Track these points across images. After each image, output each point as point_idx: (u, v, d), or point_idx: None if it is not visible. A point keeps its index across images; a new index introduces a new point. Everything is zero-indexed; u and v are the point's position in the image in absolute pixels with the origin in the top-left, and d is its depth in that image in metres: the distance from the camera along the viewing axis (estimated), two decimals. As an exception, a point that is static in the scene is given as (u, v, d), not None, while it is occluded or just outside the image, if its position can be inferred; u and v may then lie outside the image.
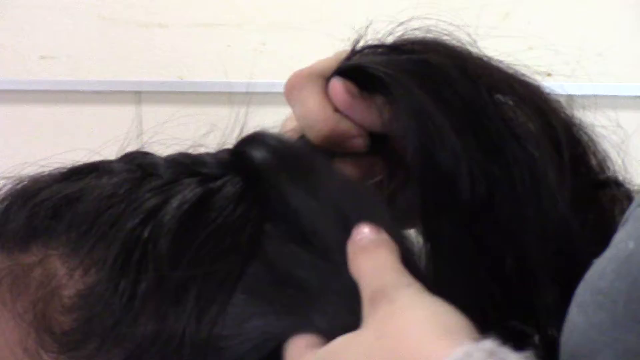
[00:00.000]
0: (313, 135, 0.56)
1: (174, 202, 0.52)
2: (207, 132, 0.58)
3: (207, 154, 0.56)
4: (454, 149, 0.53)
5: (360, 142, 0.57)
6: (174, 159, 0.56)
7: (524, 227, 0.53)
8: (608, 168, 0.58)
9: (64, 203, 0.53)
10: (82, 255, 0.51)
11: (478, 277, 0.53)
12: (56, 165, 0.57)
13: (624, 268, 0.40)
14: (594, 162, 0.58)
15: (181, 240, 0.51)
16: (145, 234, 0.51)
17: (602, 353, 0.39)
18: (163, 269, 0.50)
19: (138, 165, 0.55)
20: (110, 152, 0.58)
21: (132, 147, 0.58)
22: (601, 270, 0.42)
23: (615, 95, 1.55)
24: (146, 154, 0.57)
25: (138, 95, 1.78)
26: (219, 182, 0.53)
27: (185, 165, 0.55)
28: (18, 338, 0.51)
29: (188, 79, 1.75)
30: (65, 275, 0.51)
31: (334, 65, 0.58)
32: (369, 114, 0.56)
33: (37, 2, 1.76)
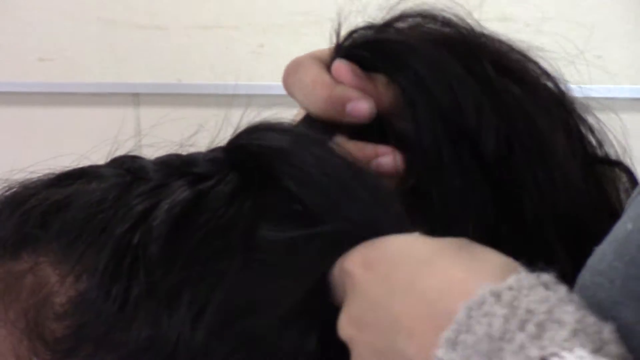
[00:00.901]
0: (312, 102, 0.56)
1: (164, 206, 0.52)
2: (204, 134, 0.58)
3: (199, 153, 0.56)
4: (472, 99, 0.53)
5: (363, 106, 0.55)
6: (164, 161, 0.56)
7: (535, 184, 0.53)
8: (604, 146, 0.58)
9: (53, 210, 0.53)
10: (73, 262, 0.51)
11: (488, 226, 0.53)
12: (54, 168, 0.57)
13: (622, 248, 0.41)
14: (593, 139, 0.58)
15: (172, 244, 0.51)
16: (136, 239, 0.51)
17: None
18: (155, 273, 0.50)
19: (127, 169, 0.55)
20: (108, 154, 0.58)
21: (130, 150, 0.58)
22: (601, 253, 0.43)
23: (614, 97, 1.55)
24: (135, 157, 0.56)
25: (136, 98, 1.78)
26: (210, 182, 0.53)
27: (175, 167, 0.55)
28: (10, 346, 0.51)
29: (186, 81, 1.75)
30: (56, 282, 0.51)
31: (329, 52, 0.58)
32: (375, 93, 0.55)
33: (36, 3, 1.76)
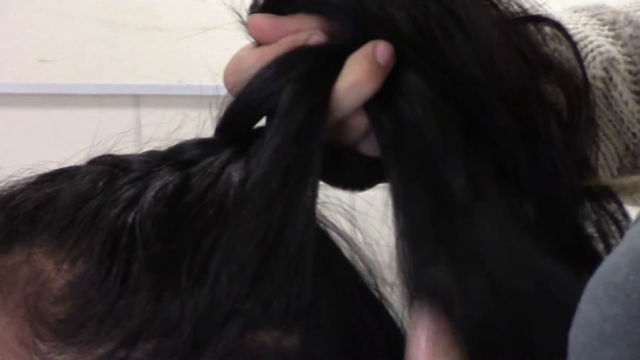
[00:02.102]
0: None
1: (155, 187, 0.52)
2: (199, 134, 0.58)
3: (185, 141, 0.56)
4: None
5: (318, 38, 0.54)
6: (148, 154, 0.56)
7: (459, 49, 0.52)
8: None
9: (42, 203, 0.54)
10: (67, 249, 0.52)
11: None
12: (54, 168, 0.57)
13: (637, 262, 0.41)
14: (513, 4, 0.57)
15: (167, 219, 0.51)
16: (130, 219, 0.51)
17: (616, 345, 0.39)
18: (153, 247, 0.50)
19: (110, 164, 0.56)
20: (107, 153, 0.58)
21: (130, 151, 0.58)
22: (614, 265, 0.42)
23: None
24: (115, 155, 0.57)
25: (137, 99, 1.78)
26: (201, 164, 0.54)
27: (160, 157, 0.55)
28: (13, 333, 0.51)
29: (187, 82, 1.75)
30: (52, 269, 0.52)
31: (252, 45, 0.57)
32: (305, 23, 0.54)
33: (36, 5, 1.76)
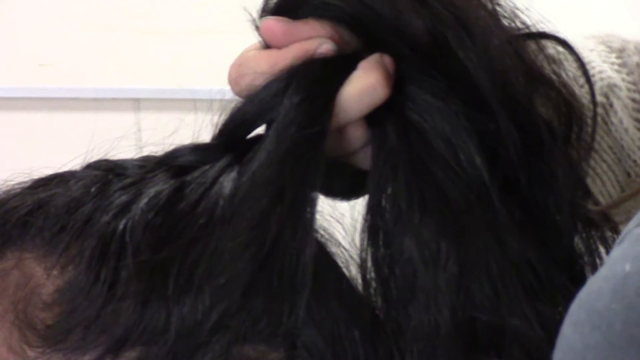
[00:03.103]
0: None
1: (148, 194, 0.52)
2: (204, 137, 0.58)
3: (181, 146, 0.56)
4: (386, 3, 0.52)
5: (328, 47, 0.54)
6: (143, 159, 0.56)
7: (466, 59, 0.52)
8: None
9: (34, 208, 0.53)
10: (58, 254, 0.51)
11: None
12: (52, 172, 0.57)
13: (620, 289, 0.40)
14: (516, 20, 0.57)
15: (158, 227, 0.51)
16: (121, 226, 0.51)
17: None
18: (142, 255, 0.50)
19: (104, 169, 0.55)
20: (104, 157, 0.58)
21: (130, 155, 0.58)
22: (597, 290, 0.41)
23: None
24: (110, 160, 0.57)
25: (137, 103, 1.78)
26: (197, 170, 0.53)
27: (156, 162, 0.55)
28: (2, 339, 0.51)
29: (187, 86, 1.75)
30: (42, 275, 0.52)
31: (259, 45, 0.56)
32: (316, 30, 0.54)
33: (36, 9, 1.76)
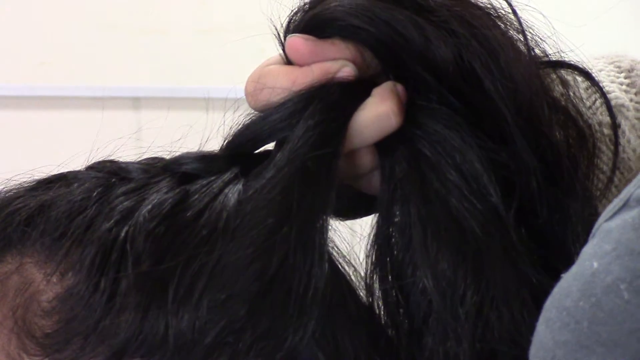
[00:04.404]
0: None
1: (149, 204, 0.52)
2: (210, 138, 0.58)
3: (187, 153, 0.56)
4: (411, 25, 0.52)
5: (348, 70, 0.54)
6: (148, 163, 0.56)
7: (491, 86, 0.52)
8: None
9: (36, 212, 0.53)
10: (58, 260, 0.51)
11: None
12: (53, 172, 0.57)
13: (588, 287, 0.40)
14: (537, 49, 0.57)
15: (160, 237, 0.51)
16: (122, 234, 0.51)
17: None
18: (142, 265, 0.50)
19: (108, 172, 0.55)
20: (108, 158, 0.58)
21: (130, 153, 0.58)
22: (567, 288, 0.42)
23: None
24: (115, 161, 0.56)
25: (137, 101, 1.78)
26: (201, 180, 0.53)
27: (160, 167, 0.55)
28: (0, 345, 0.51)
29: (187, 85, 1.75)
30: (42, 281, 0.51)
31: (280, 58, 0.56)
32: (340, 51, 0.54)
33: (37, 8, 1.76)
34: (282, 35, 0.56)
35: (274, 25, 0.57)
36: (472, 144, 0.52)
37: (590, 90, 0.61)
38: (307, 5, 0.55)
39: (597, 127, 0.59)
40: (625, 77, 0.63)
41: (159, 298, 0.49)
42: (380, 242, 0.53)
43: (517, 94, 0.52)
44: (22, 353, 0.51)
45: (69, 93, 1.79)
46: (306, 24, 0.55)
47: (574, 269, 0.42)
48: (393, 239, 0.52)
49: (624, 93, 0.62)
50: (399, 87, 0.54)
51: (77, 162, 0.58)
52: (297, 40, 0.54)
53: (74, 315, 0.50)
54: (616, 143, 0.59)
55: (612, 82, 0.62)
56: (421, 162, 0.52)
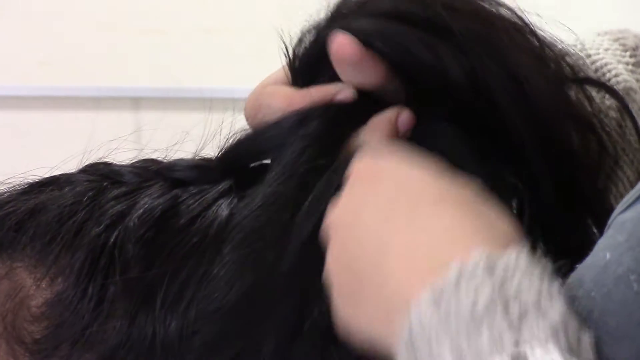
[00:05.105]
0: None
1: (142, 207, 0.52)
2: (210, 139, 0.58)
3: (182, 159, 0.56)
4: (424, 46, 0.51)
5: (348, 94, 0.53)
6: (140, 166, 0.56)
7: (510, 103, 0.51)
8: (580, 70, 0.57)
9: (26, 216, 0.53)
10: (48, 265, 0.51)
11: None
12: (52, 172, 0.57)
13: (599, 278, 0.41)
14: (562, 62, 0.56)
15: (149, 244, 0.51)
16: (112, 240, 0.51)
17: None
18: (131, 272, 0.50)
19: (100, 175, 0.55)
20: (107, 158, 0.58)
21: (129, 154, 0.58)
22: (580, 278, 0.42)
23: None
24: (108, 163, 0.56)
25: (136, 102, 1.78)
26: (193, 188, 0.53)
27: (153, 172, 0.55)
28: None
29: (186, 85, 1.75)
30: (32, 285, 0.51)
31: (280, 74, 0.56)
32: (377, 67, 0.53)
33: (36, 8, 1.76)
34: (290, 49, 0.56)
35: (283, 41, 0.56)
36: (472, 165, 0.51)
37: (599, 72, 0.60)
38: (322, 24, 0.55)
39: (605, 110, 0.59)
40: (631, 56, 0.63)
41: (147, 304, 0.49)
42: None
43: (537, 114, 0.51)
44: (11, 359, 0.51)
45: (68, 93, 1.79)
46: (324, 42, 0.54)
47: (588, 259, 0.42)
48: None
49: (630, 74, 0.62)
50: (404, 115, 0.53)
51: (76, 162, 0.58)
52: (345, 40, 0.52)
53: (62, 321, 0.50)
54: (638, 132, 0.58)
55: (619, 62, 0.62)
56: None
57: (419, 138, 0.53)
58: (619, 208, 0.43)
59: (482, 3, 0.54)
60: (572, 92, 0.56)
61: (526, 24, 0.54)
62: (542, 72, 0.53)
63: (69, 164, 0.58)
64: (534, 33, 0.54)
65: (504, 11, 0.54)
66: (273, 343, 0.49)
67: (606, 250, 0.41)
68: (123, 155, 0.58)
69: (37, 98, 1.79)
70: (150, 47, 1.77)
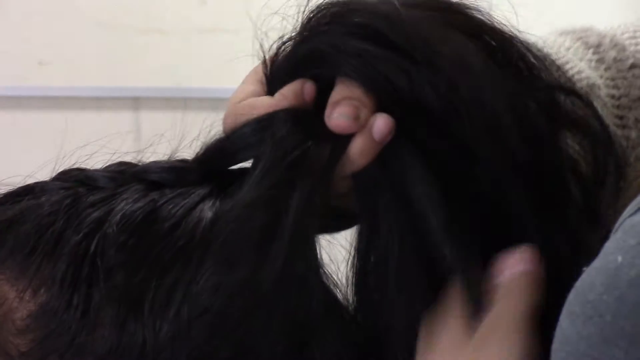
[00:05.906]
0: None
1: (120, 212, 0.51)
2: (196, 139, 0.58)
3: (156, 161, 0.56)
4: (395, 69, 0.51)
5: (309, 87, 0.53)
6: (115, 170, 0.55)
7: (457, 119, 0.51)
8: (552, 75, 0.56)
9: (4, 227, 0.53)
10: (30, 276, 0.51)
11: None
12: (52, 173, 0.56)
13: (612, 281, 0.40)
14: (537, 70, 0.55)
15: (130, 249, 0.50)
16: (92, 247, 0.50)
17: None
18: (115, 278, 0.50)
19: (75, 181, 0.54)
20: (107, 158, 0.58)
21: (129, 154, 0.58)
22: (590, 282, 0.42)
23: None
24: (82, 169, 0.56)
25: (136, 102, 1.78)
26: (171, 192, 0.53)
27: (128, 175, 0.54)
28: None
29: (186, 85, 1.75)
30: (15, 298, 0.51)
31: (254, 88, 0.56)
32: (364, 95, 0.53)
33: (35, 7, 1.76)
34: (267, 57, 0.56)
35: (262, 49, 0.56)
36: (433, 187, 0.51)
37: (561, 70, 0.60)
38: (298, 37, 0.55)
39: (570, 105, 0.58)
40: (594, 53, 0.62)
41: (135, 311, 0.49)
42: (360, 282, 0.52)
43: (506, 131, 0.51)
44: None
45: (67, 93, 1.79)
46: (301, 57, 0.54)
47: (597, 263, 0.42)
48: (372, 279, 0.52)
49: (593, 70, 0.61)
50: (380, 121, 0.52)
51: (75, 161, 0.58)
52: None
53: (49, 333, 0.50)
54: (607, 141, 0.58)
55: (581, 59, 0.62)
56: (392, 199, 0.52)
57: (388, 156, 0.52)
58: (627, 211, 0.43)
59: (456, 15, 0.54)
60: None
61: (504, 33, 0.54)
62: (526, 84, 0.53)
63: (69, 164, 0.58)
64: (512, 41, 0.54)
65: (480, 17, 0.54)
66: (265, 344, 0.49)
67: (617, 253, 0.41)
68: (123, 155, 0.58)
69: (36, 98, 1.79)
70: (150, 47, 1.77)
